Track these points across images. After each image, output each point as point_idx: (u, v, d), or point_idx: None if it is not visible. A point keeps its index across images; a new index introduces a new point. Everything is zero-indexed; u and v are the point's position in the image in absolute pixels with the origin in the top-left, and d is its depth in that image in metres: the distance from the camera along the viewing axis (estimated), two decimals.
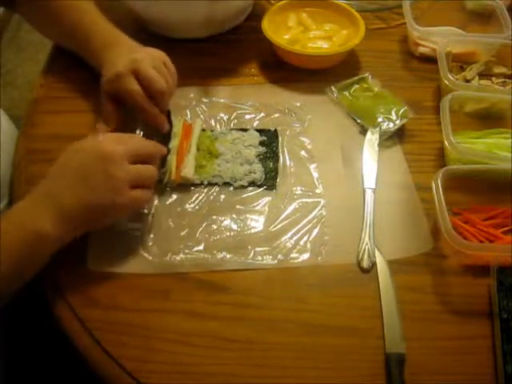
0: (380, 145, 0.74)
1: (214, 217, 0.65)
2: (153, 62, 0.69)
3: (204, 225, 0.64)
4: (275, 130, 0.75)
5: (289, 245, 0.63)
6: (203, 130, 0.74)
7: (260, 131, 0.74)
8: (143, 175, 0.60)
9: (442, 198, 0.60)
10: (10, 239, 0.53)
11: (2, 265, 0.52)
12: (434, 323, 0.58)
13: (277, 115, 0.78)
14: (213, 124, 0.76)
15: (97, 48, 0.73)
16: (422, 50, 0.87)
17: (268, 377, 0.54)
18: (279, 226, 0.65)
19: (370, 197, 0.68)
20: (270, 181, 0.69)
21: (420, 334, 0.57)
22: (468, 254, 0.59)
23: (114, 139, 0.60)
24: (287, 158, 0.72)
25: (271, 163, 0.71)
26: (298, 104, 0.79)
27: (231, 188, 0.68)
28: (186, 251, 0.62)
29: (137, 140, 0.64)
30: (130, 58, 0.68)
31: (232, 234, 0.64)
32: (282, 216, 0.66)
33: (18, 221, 0.55)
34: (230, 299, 0.59)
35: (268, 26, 0.83)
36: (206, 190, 0.68)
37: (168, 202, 0.67)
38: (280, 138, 0.74)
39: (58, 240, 0.56)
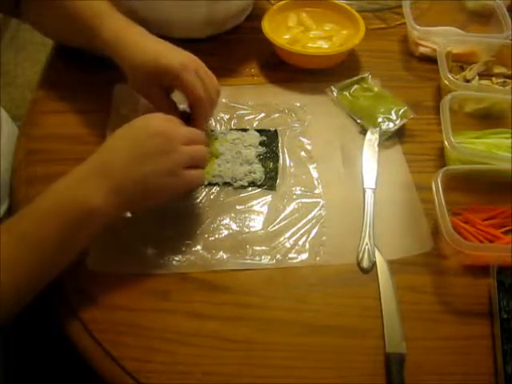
0: (380, 145, 0.74)
1: (214, 217, 0.65)
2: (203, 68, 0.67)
3: (204, 225, 0.64)
4: (275, 131, 0.75)
5: (287, 245, 0.63)
6: None
7: (260, 131, 0.75)
8: (197, 156, 0.60)
9: (442, 198, 0.60)
10: (56, 218, 0.53)
11: (49, 244, 0.52)
12: (434, 323, 0.58)
13: (277, 115, 0.78)
14: (213, 124, 0.76)
15: (113, 26, 0.69)
16: (422, 49, 0.87)
17: (268, 377, 0.54)
18: (278, 226, 0.65)
19: (369, 197, 0.68)
20: (269, 181, 0.69)
21: (420, 334, 0.57)
22: (468, 254, 0.59)
23: (168, 119, 0.60)
24: (287, 158, 0.72)
25: (271, 163, 0.71)
26: (298, 104, 0.79)
27: (231, 188, 0.68)
28: (186, 251, 0.62)
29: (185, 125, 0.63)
30: (192, 56, 0.66)
31: (231, 233, 0.64)
32: (281, 216, 0.66)
33: (65, 197, 0.54)
34: (230, 299, 0.59)
35: (268, 26, 0.83)
36: (206, 190, 0.68)
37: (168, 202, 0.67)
38: (280, 139, 0.74)
39: (107, 214, 0.55)
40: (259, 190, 0.68)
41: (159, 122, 0.59)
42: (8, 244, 0.51)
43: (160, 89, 0.67)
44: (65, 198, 0.54)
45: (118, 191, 0.54)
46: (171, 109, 0.68)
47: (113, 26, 0.69)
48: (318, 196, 0.68)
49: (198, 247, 0.62)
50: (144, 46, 0.67)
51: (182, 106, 0.69)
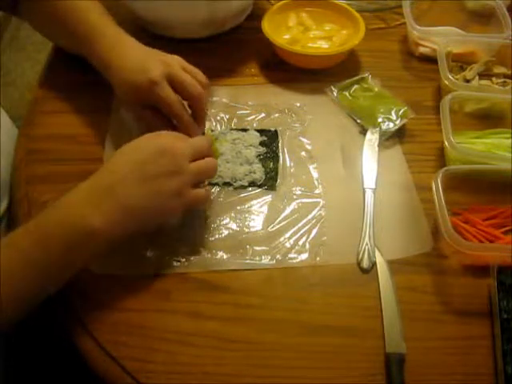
0: (380, 145, 0.74)
1: (214, 217, 0.65)
2: (181, 66, 0.66)
3: (204, 225, 0.64)
4: (275, 131, 0.75)
5: (287, 245, 0.63)
6: None
7: (260, 131, 0.75)
8: (203, 171, 0.59)
9: (442, 198, 0.60)
10: (57, 239, 0.52)
11: (50, 264, 0.52)
12: (434, 323, 0.58)
13: (277, 115, 0.78)
14: (213, 124, 0.76)
15: (102, 49, 0.70)
16: (422, 49, 0.87)
17: (268, 377, 0.54)
18: (278, 226, 0.65)
19: (369, 197, 0.68)
20: (270, 181, 0.69)
21: (420, 334, 0.57)
22: (468, 254, 0.59)
23: (172, 136, 0.59)
24: (287, 158, 0.72)
25: (271, 163, 0.71)
26: (298, 104, 0.79)
27: (231, 188, 0.68)
28: (186, 251, 0.62)
29: (191, 137, 0.62)
30: (162, 62, 0.65)
31: (231, 233, 0.64)
32: (281, 216, 0.66)
33: (66, 217, 0.53)
34: (230, 299, 0.59)
35: (268, 26, 0.83)
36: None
37: None
38: (280, 139, 0.74)
39: (110, 235, 0.54)
40: (259, 190, 0.68)
41: (164, 141, 0.57)
42: (11, 260, 0.51)
43: (145, 107, 0.66)
44: (66, 218, 0.53)
45: (121, 214, 0.54)
46: (164, 124, 0.66)
47: (101, 48, 0.70)
48: (317, 196, 0.68)
49: (198, 247, 0.62)
50: (122, 67, 0.67)
51: None
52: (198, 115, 0.67)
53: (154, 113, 0.66)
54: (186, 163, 0.57)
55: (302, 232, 0.64)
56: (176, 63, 0.66)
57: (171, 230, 0.64)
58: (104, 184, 0.55)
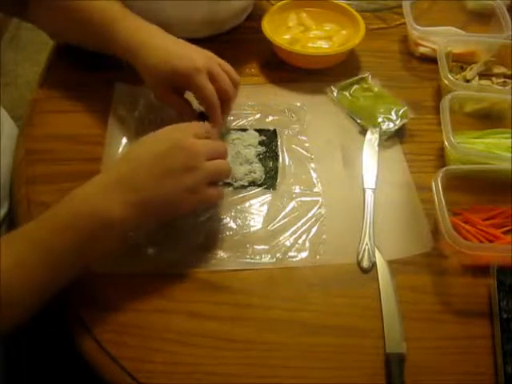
0: (380, 145, 0.74)
1: (214, 216, 0.65)
2: (218, 62, 0.69)
3: (204, 225, 0.64)
4: (274, 130, 0.75)
5: (287, 243, 0.63)
6: None
7: (259, 131, 0.75)
8: (218, 171, 0.60)
9: (442, 198, 0.60)
10: (74, 230, 0.52)
11: (65, 255, 0.52)
12: (434, 323, 0.58)
13: (276, 115, 0.78)
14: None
15: (124, 32, 0.69)
16: (422, 49, 0.87)
17: (268, 377, 0.54)
18: (278, 224, 0.65)
19: (369, 197, 0.68)
20: (269, 180, 0.69)
21: (420, 334, 0.57)
22: (468, 254, 0.59)
23: (193, 132, 0.59)
24: (286, 157, 0.72)
25: (271, 163, 0.71)
26: (298, 104, 0.79)
27: (231, 188, 0.68)
28: (186, 251, 0.62)
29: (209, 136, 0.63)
30: (204, 56, 0.68)
31: (231, 233, 0.64)
32: (281, 215, 0.66)
33: (83, 209, 0.53)
34: (231, 299, 0.59)
35: (268, 26, 0.83)
36: None
37: None
38: (279, 138, 0.74)
39: (126, 227, 0.54)
40: (259, 189, 0.68)
41: (184, 136, 0.58)
42: (26, 250, 0.51)
43: (173, 90, 0.69)
44: (83, 210, 0.53)
45: (138, 205, 0.54)
46: (187, 110, 0.70)
47: (126, 29, 0.70)
48: (317, 195, 0.68)
49: (199, 247, 0.62)
50: (156, 48, 0.68)
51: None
52: (225, 110, 0.70)
53: (179, 96, 0.70)
54: (202, 160, 0.57)
55: (301, 230, 0.64)
56: (215, 59, 0.69)
57: (171, 230, 0.64)
58: (122, 176, 0.55)
